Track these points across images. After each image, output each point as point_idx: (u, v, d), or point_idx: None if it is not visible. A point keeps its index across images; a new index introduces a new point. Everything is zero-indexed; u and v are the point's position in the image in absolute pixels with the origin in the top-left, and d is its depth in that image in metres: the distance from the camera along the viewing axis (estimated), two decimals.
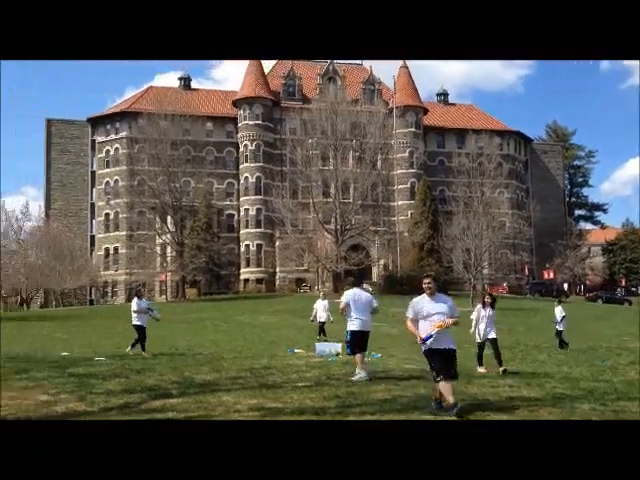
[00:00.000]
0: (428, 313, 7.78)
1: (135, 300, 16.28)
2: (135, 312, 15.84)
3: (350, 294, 11.24)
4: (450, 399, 7.34)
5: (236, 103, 67.55)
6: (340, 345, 15.95)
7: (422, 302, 7.95)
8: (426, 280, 7.95)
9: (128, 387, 9.88)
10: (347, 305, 11.09)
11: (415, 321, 7.94)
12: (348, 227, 56.71)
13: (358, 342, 10.99)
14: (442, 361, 7.59)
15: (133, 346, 15.53)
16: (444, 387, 7.47)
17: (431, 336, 7.57)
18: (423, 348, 7.81)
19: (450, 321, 7.71)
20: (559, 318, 20.22)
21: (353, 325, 11.02)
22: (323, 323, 20.35)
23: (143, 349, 15.47)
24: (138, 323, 15.79)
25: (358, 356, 10.92)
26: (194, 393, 9.34)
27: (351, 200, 57.67)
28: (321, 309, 20.53)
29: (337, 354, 15.11)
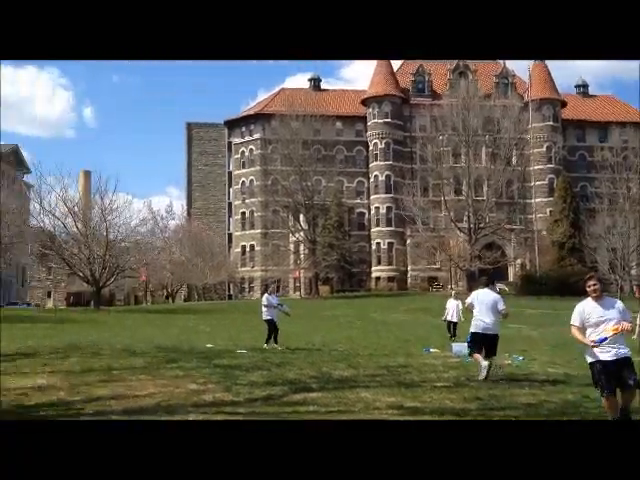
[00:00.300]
0: (597, 320, 6.85)
1: (266, 296, 16.88)
2: (265, 307, 16.39)
3: (475, 294, 11.01)
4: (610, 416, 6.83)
5: (365, 102, 67.82)
6: None
7: (589, 307, 6.97)
8: (591, 282, 6.96)
9: (270, 380, 10.17)
10: (472, 305, 10.86)
11: (581, 329, 6.98)
12: (482, 225, 55.30)
13: (477, 344, 10.68)
14: (611, 374, 6.70)
15: (267, 342, 16.00)
16: (611, 404, 6.79)
17: (606, 339, 6.70)
18: (590, 358, 6.92)
19: (627, 325, 6.76)
20: None
21: (474, 327, 10.75)
22: (455, 323, 19.95)
23: (276, 342, 15.93)
24: (268, 317, 16.33)
25: (476, 355, 10.64)
26: (333, 388, 9.45)
27: (485, 198, 56.22)
28: (453, 309, 20.15)
29: None
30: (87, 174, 62.24)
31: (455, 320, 19.93)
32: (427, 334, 22.04)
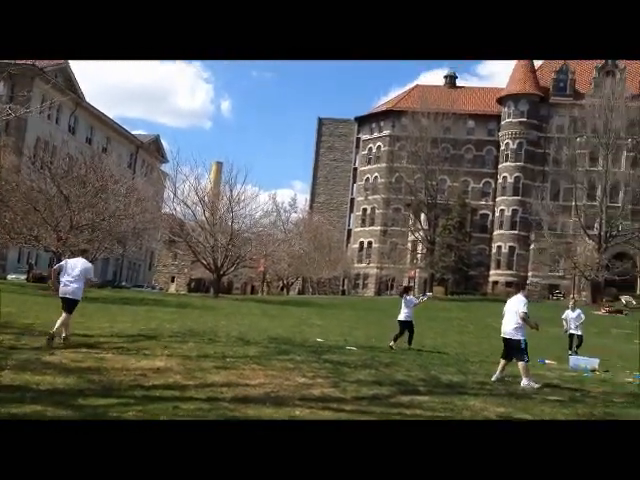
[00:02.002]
0: None
1: (409, 297, 16.95)
2: (407, 308, 16.44)
3: None
4: None
5: (501, 100, 66.03)
6: (597, 361, 14.81)
7: None
8: None
9: (378, 379, 10.17)
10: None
11: None
12: (614, 233, 52.34)
13: None
14: None
15: (395, 340, 15.91)
16: None
17: None
18: None
19: None
20: None
21: None
22: (580, 336, 19.01)
23: (410, 343, 15.99)
24: (406, 319, 16.35)
25: None
26: (441, 393, 9.33)
27: (620, 204, 53.14)
28: (571, 320, 19.19)
29: (593, 370, 14.04)
30: (219, 165, 64.61)
31: (580, 333, 18.99)
32: (544, 345, 21.13)
